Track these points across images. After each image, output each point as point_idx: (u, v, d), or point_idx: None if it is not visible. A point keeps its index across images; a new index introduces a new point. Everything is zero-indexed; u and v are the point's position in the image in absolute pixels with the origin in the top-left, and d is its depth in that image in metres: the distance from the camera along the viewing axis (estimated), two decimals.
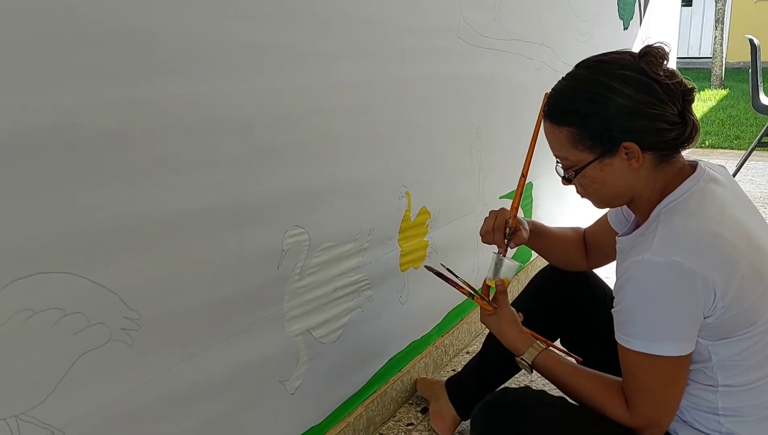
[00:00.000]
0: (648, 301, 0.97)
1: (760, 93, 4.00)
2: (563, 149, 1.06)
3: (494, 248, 1.30)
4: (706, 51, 12.77)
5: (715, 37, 9.37)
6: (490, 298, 1.28)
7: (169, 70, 0.94)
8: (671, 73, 1.00)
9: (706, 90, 8.95)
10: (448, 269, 1.32)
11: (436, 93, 1.67)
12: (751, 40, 4.03)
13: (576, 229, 1.43)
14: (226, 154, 1.06)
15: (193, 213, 1.01)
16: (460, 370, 1.59)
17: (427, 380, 1.70)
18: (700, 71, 11.57)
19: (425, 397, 1.67)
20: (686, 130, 1.01)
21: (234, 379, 1.14)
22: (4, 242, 0.77)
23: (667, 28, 4.55)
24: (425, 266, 1.30)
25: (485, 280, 1.31)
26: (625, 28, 3.37)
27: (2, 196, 0.76)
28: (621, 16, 3.26)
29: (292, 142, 1.19)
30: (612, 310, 1.04)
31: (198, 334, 1.05)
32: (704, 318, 0.97)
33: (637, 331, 0.99)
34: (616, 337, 1.04)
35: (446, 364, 1.89)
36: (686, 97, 1.01)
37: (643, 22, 3.70)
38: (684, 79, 1.02)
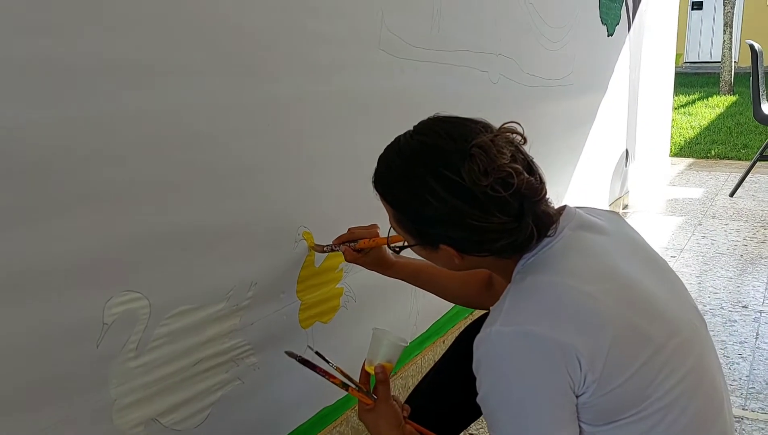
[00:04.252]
0: (503, 387, 0.80)
1: (762, 102, 3.70)
2: (390, 221, 0.95)
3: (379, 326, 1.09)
4: (718, 56, 12.42)
5: (724, 41, 9.04)
6: (372, 387, 1.03)
7: None
8: (504, 178, 0.80)
9: (714, 96, 8.61)
10: (317, 353, 1.09)
11: (349, 112, 1.41)
12: (751, 46, 3.73)
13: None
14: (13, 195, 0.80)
15: None
16: None
17: None
18: (710, 76, 11.23)
19: None
20: (519, 238, 0.83)
21: None
22: None
23: (665, 35, 4.24)
24: (285, 352, 1.06)
25: (364, 365, 1.06)
26: (610, 35, 3.09)
27: None
28: (604, 21, 2.98)
29: (124, 175, 0.93)
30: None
31: None
32: (576, 397, 0.76)
33: (500, 428, 0.82)
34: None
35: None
36: (532, 198, 0.83)
37: (632, 27, 3.41)
38: (530, 178, 0.82)
